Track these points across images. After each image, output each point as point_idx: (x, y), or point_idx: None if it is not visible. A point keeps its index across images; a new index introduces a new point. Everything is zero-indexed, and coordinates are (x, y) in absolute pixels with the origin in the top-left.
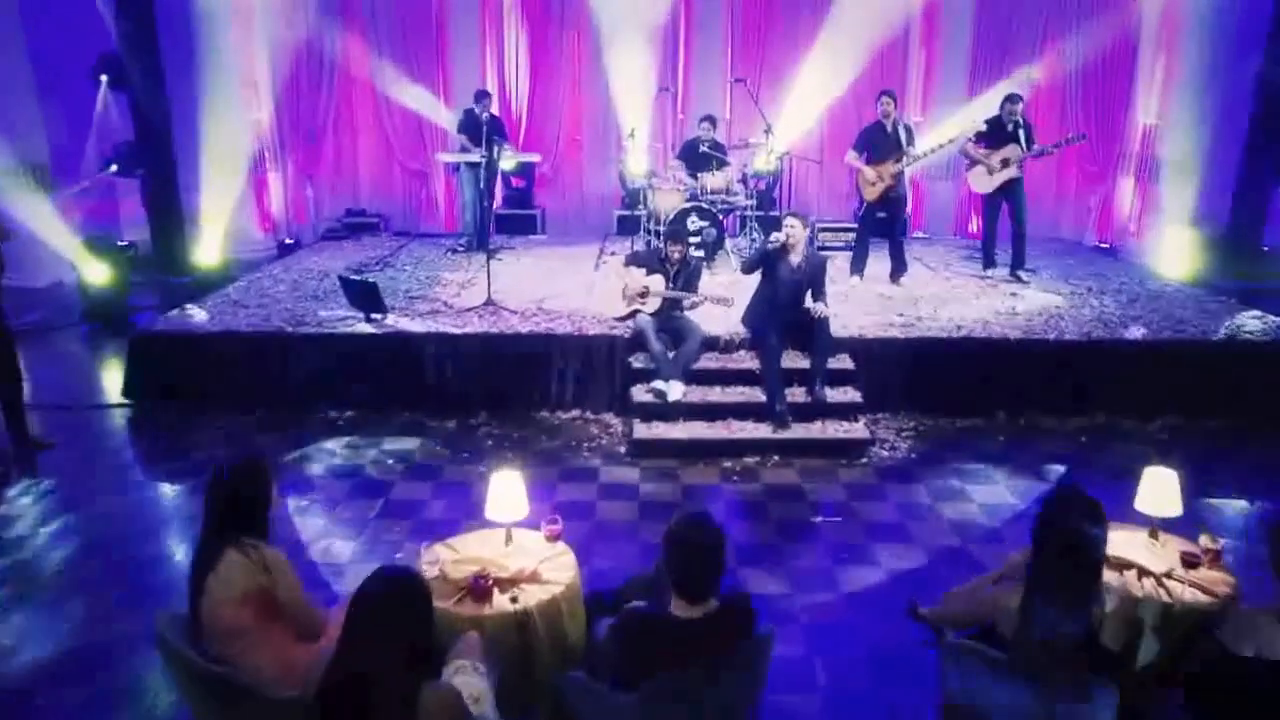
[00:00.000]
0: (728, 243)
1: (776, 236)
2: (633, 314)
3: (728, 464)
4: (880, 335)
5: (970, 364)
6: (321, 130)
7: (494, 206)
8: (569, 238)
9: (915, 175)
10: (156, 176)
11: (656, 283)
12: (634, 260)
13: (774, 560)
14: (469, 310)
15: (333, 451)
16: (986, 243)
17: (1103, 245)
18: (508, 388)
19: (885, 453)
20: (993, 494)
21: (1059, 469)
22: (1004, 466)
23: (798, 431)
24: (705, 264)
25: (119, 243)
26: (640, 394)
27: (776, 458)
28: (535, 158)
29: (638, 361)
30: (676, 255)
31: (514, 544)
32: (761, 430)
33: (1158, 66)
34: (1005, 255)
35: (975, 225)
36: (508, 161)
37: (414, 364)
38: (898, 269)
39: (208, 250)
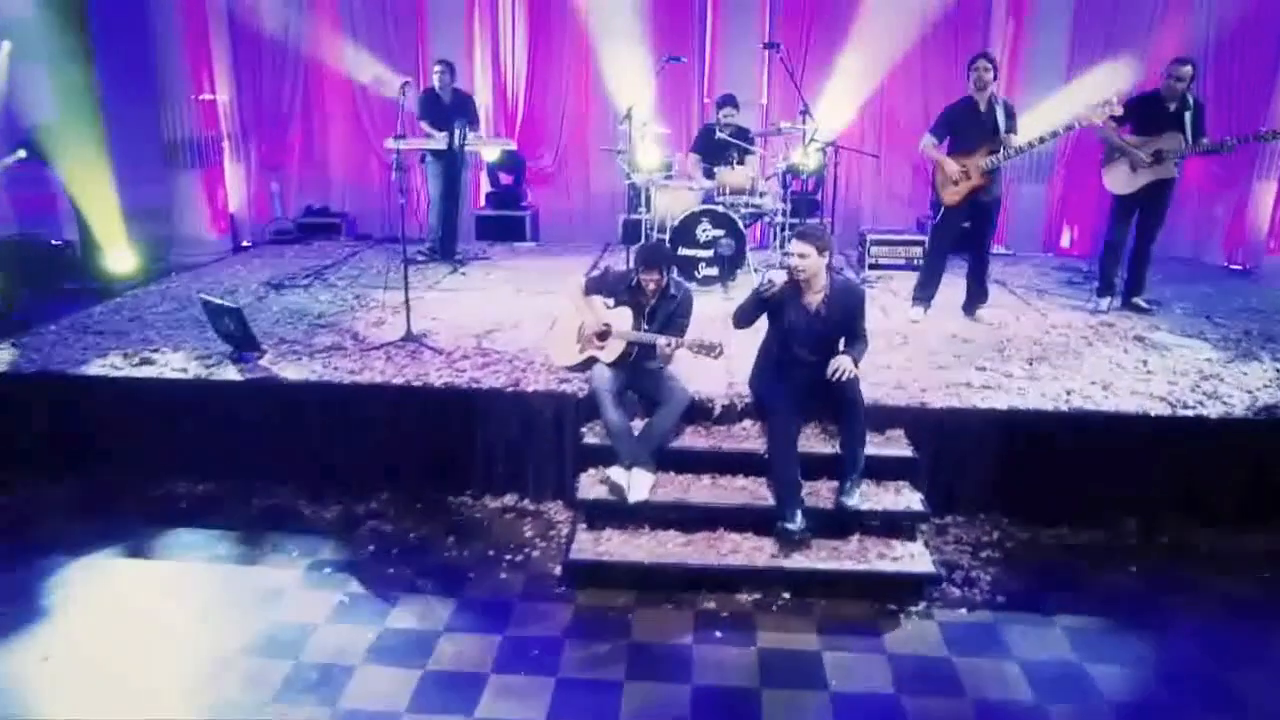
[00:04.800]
0: (751, 258)
1: (769, 278)
2: (588, 363)
3: (710, 605)
4: (951, 404)
5: (1086, 449)
6: (288, 117)
7: (469, 206)
8: (568, 245)
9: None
10: (80, 166)
11: (621, 320)
12: (597, 286)
13: None
14: (378, 348)
15: (151, 548)
16: (1105, 261)
17: (1233, 266)
18: (417, 461)
19: (957, 590)
20: (1137, 685)
21: (1241, 642)
22: (1147, 623)
23: (821, 554)
24: (722, 285)
25: (53, 241)
26: (591, 485)
27: (786, 596)
28: (509, 144)
29: (592, 434)
30: (651, 286)
31: None
32: (766, 551)
33: None
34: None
35: (1069, 238)
36: (490, 151)
37: (292, 424)
38: (975, 297)
39: (129, 254)
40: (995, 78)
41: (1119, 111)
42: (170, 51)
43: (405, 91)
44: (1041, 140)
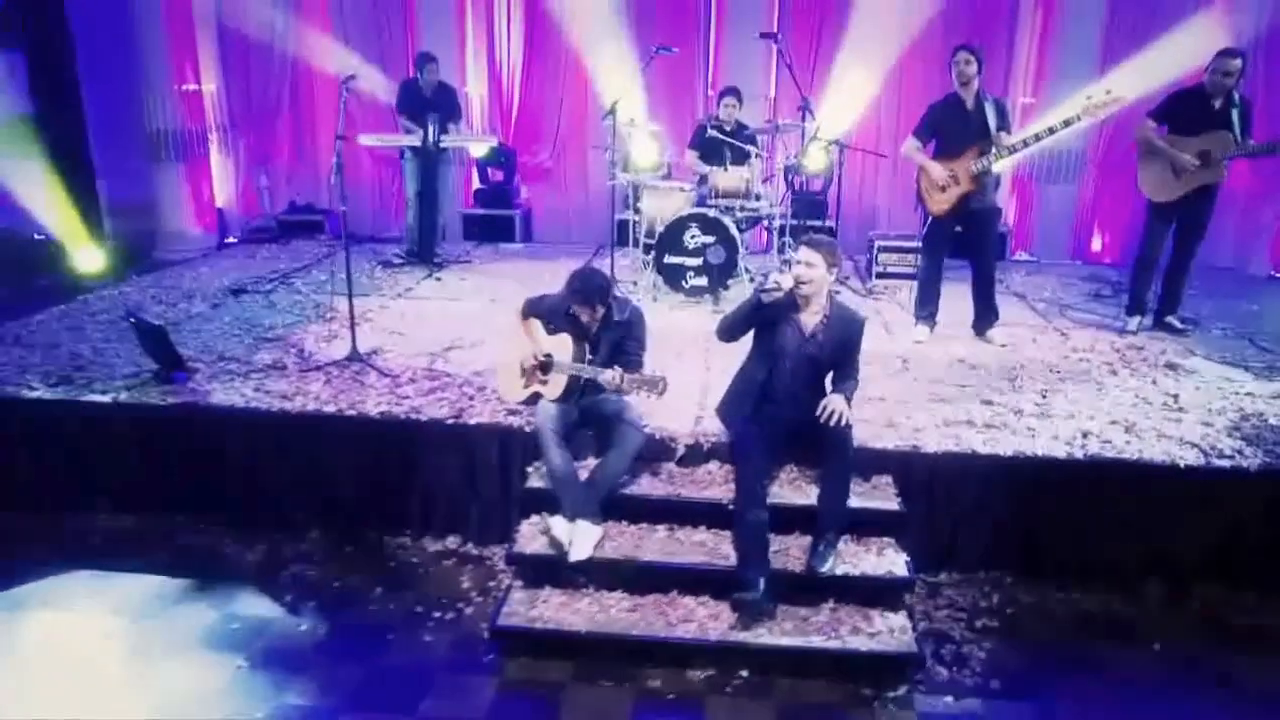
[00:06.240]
0: (745, 265)
1: (776, 279)
2: (535, 398)
3: (655, 682)
4: (948, 448)
5: (1103, 502)
6: (276, 109)
7: (456, 204)
8: (558, 247)
9: (1018, 172)
10: (59, 158)
11: (561, 349)
12: (535, 308)
13: None
14: (319, 369)
15: (52, 594)
16: (1137, 276)
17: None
18: (352, 496)
19: (945, 670)
20: None
21: None
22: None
23: (787, 627)
24: (711, 297)
25: (35, 236)
26: (532, 537)
27: (744, 674)
28: (492, 140)
29: (538, 476)
30: (585, 318)
31: None
32: (723, 620)
33: None
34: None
35: (1100, 243)
36: (477, 147)
37: (218, 454)
38: (984, 316)
39: (101, 251)
40: (980, 71)
41: (1125, 103)
42: (153, 40)
43: (348, 86)
44: (1037, 138)
